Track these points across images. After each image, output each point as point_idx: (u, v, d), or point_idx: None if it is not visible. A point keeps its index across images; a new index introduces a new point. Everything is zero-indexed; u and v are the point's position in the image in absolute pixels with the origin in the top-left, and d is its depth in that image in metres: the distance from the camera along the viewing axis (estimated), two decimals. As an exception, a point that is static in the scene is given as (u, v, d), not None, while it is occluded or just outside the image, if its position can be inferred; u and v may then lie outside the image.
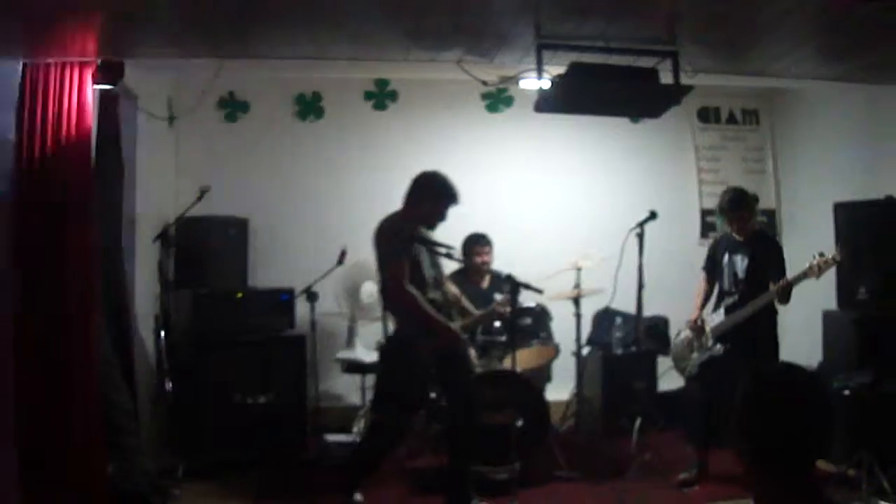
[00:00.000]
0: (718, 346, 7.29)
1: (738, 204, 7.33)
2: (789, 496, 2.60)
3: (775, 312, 7.23)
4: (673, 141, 10.22)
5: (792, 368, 2.80)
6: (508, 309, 6.89)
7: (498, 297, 7.81)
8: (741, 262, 7.28)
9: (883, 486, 6.47)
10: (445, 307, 6.75)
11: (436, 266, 6.80)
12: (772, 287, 6.97)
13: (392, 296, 6.57)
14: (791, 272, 6.92)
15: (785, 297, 6.93)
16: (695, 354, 7.45)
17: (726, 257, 7.42)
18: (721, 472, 7.31)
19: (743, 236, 7.35)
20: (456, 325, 6.62)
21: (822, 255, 6.75)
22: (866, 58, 6.26)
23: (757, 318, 7.08)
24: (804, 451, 2.61)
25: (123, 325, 6.92)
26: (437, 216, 6.75)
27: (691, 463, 7.40)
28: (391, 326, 7.07)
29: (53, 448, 5.44)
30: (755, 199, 7.55)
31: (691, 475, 7.26)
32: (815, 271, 6.74)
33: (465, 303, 7.32)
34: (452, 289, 7.20)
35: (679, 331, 7.79)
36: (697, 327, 7.48)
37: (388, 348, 7.00)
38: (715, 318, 7.41)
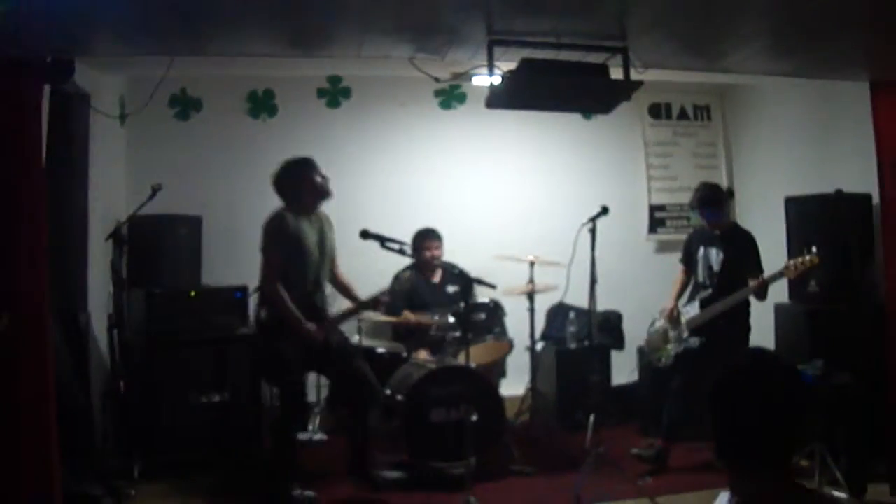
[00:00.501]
0: (694, 338, 7.37)
1: (705, 201, 7.46)
2: (765, 494, 2.48)
3: (748, 306, 7.33)
4: (624, 137, 10.28)
5: (756, 357, 2.74)
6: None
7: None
8: (716, 256, 7.40)
9: (836, 477, 6.55)
10: (321, 308, 6.98)
11: (322, 265, 6.98)
12: (751, 282, 7.06)
13: (263, 290, 6.82)
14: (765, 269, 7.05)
15: (762, 294, 7.05)
16: (670, 346, 7.53)
17: (701, 250, 7.53)
18: (678, 465, 7.41)
19: (718, 230, 7.45)
20: (311, 326, 6.71)
21: (801, 255, 6.85)
22: (816, 53, 6.31)
23: (732, 313, 7.19)
24: (773, 443, 2.49)
25: (77, 325, 6.88)
26: (324, 186, 7.03)
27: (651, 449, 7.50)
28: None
29: (4, 449, 5.40)
30: (730, 193, 7.63)
31: (646, 453, 7.36)
32: (792, 271, 6.85)
33: (354, 292, 7.35)
34: (343, 280, 7.34)
35: (653, 321, 7.88)
36: (673, 318, 7.56)
37: (254, 337, 7.11)
38: (689, 310, 7.50)
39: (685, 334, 7.48)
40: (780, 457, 2.49)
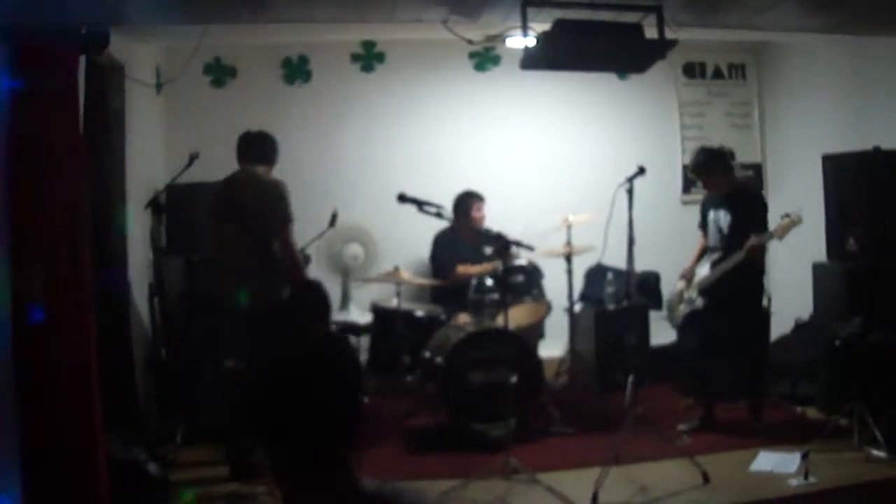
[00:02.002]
0: (700, 299, 7.40)
1: (697, 166, 7.49)
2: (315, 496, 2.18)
3: (760, 271, 7.32)
4: (658, 97, 10.24)
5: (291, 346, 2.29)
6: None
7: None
8: (724, 218, 7.37)
9: (875, 436, 6.54)
10: None
11: None
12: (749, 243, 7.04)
13: (290, 252, 6.79)
14: (771, 226, 7.00)
15: (757, 253, 7.00)
16: (682, 306, 7.58)
17: (711, 213, 7.51)
18: (716, 424, 7.44)
19: (725, 193, 7.42)
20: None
21: (787, 215, 6.84)
22: (850, 9, 6.26)
23: (739, 274, 7.15)
24: (321, 438, 2.16)
25: (118, 294, 6.95)
26: None
27: (685, 415, 7.53)
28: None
29: (49, 418, 5.46)
30: (731, 154, 7.55)
31: (692, 426, 7.37)
32: (779, 232, 6.83)
33: None
34: None
35: (676, 283, 7.90)
36: (689, 280, 7.58)
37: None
38: (702, 272, 7.52)
39: (694, 295, 7.51)
40: (332, 453, 2.19)
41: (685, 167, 10.09)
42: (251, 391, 2.22)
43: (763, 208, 7.31)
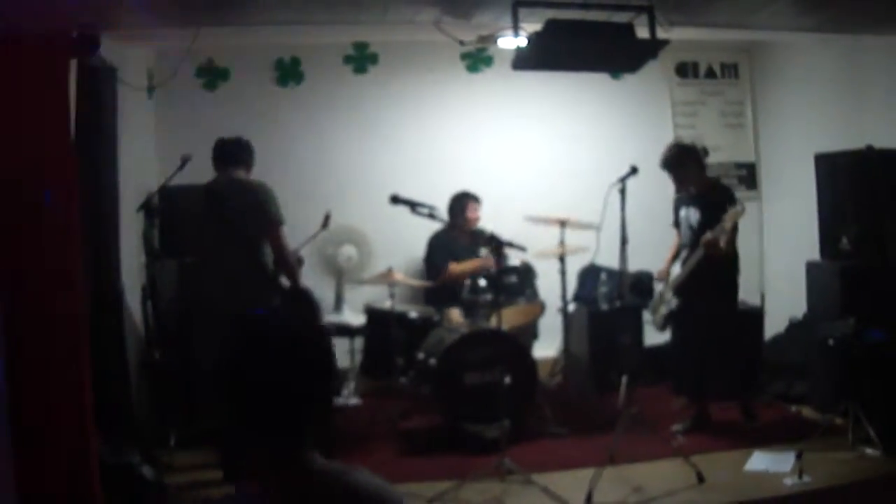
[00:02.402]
0: (674, 299, 7.40)
1: (669, 160, 7.47)
2: (296, 477, 2.23)
3: (732, 267, 7.33)
4: (652, 97, 10.22)
5: (250, 324, 2.38)
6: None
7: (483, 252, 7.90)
8: (694, 216, 7.37)
9: (870, 435, 6.54)
10: None
11: None
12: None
13: (283, 255, 6.73)
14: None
15: (712, 248, 6.98)
16: (662, 307, 7.57)
17: (683, 211, 7.51)
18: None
19: (696, 191, 7.41)
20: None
21: (733, 207, 6.86)
22: (841, 7, 6.26)
23: (710, 271, 7.15)
24: (292, 414, 2.24)
25: (111, 297, 6.93)
26: None
27: (679, 415, 7.53)
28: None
29: (41, 421, 5.45)
30: (704, 151, 7.54)
31: (686, 426, 7.37)
32: (727, 223, 6.85)
33: None
34: None
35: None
36: (666, 281, 7.59)
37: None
38: (676, 272, 7.53)
39: (669, 296, 7.50)
40: (301, 430, 2.25)
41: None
42: (223, 385, 2.27)
43: (730, 204, 7.29)
